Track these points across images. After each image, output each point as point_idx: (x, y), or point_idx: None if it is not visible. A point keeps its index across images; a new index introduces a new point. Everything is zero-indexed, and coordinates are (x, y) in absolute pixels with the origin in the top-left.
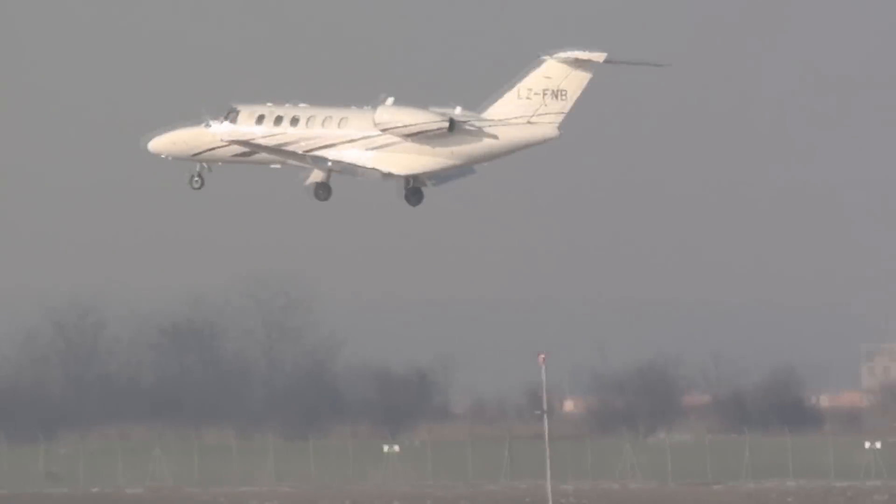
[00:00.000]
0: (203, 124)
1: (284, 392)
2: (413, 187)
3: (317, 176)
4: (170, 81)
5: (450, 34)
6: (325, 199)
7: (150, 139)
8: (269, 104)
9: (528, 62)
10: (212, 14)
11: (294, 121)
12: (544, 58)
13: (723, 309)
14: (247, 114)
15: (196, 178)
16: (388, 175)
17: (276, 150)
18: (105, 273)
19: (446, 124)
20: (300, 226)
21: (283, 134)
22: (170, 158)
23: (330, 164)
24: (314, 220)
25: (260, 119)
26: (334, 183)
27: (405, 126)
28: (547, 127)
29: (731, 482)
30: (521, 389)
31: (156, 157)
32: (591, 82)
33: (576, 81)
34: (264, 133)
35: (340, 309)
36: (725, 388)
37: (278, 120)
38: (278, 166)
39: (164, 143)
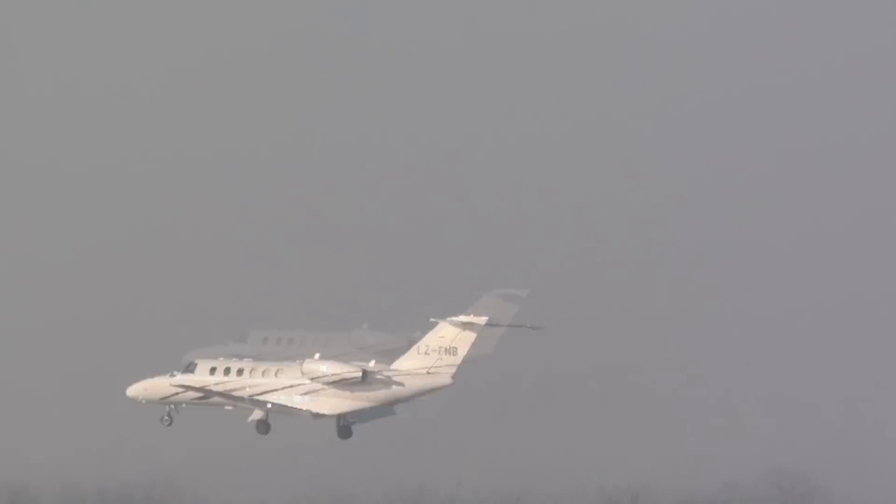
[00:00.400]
0: (168, 374)
1: None
2: (343, 425)
3: (258, 415)
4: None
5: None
6: (265, 433)
7: (127, 387)
8: (221, 358)
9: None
10: None
11: (239, 372)
12: (435, 321)
13: None
14: (203, 367)
15: (166, 418)
16: (318, 415)
17: (225, 394)
18: None
19: (359, 374)
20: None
21: (231, 382)
22: (144, 402)
23: (269, 405)
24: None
25: (213, 371)
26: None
27: (326, 376)
28: (443, 377)
29: None
30: None
31: (133, 401)
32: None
33: (465, 339)
34: (216, 381)
35: None
36: None
37: (227, 371)
38: (230, 408)
39: (138, 389)
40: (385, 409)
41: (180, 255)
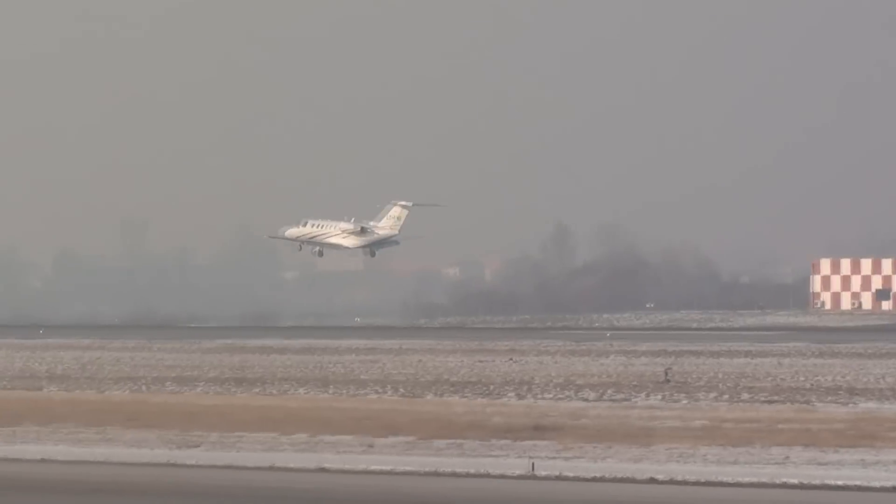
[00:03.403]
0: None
1: None
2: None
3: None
4: None
5: None
6: (321, 255)
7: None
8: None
9: None
10: None
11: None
12: (391, 206)
13: None
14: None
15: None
16: (346, 247)
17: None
18: None
19: (360, 228)
20: None
21: (314, 231)
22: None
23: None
24: None
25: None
26: None
27: (347, 230)
28: (396, 232)
29: None
30: None
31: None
32: None
33: (403, 214)
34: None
35: None
36: None
37: (313, 225)
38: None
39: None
40: (378, 244)
41: None
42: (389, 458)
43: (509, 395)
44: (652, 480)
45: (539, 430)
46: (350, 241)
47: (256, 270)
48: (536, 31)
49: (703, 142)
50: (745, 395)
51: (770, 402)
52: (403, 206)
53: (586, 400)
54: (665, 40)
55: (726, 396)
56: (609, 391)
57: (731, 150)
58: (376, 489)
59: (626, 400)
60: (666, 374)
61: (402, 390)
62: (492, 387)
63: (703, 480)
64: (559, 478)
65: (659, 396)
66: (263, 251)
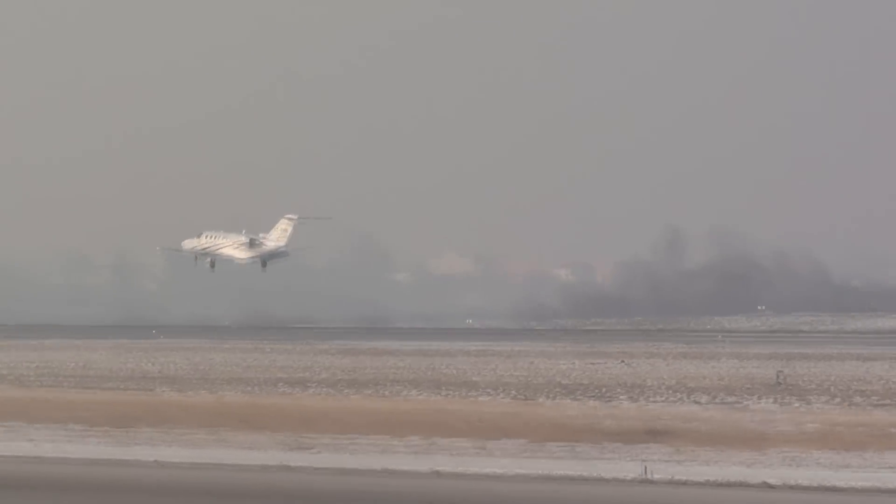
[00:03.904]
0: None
1: None
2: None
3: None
4: None
5: None
6: (212, 268)
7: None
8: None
9: None
10: None
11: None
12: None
13: None
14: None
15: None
16: (239, 259)
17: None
18: None
19: (248, 241)
20: None
21: (206, 242)
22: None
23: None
24: None
25: (199, 237)
26: None
27: (237, 241)
28: (283, 244)
29: None
30: None
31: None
32: None
33: (289, 227)
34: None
35: None
36: None
37: (206, 237)
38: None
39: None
40: (267, 256)
41: None
42: (502, 461)
43: (621, 397)
44: (765, 485)
45: (652, 433)
46: (241, 253)
47: (369, 273)
48: (629, 31)
49: (814, 144)
50: (858, 399)
51: (882, 405)
52: (290, 220)
53: (698, 403)
54: (775, 37)
55: (838, 399)
56: (721, 394)
57: (845, 153)
58: (490, 493)
59: (738, 403)
60: (778, 376)
61: (514, 393)
62: (604, 389)
63: (815, 485)
64: (672, 482)
65: (771, 399)
66: (376, 254)
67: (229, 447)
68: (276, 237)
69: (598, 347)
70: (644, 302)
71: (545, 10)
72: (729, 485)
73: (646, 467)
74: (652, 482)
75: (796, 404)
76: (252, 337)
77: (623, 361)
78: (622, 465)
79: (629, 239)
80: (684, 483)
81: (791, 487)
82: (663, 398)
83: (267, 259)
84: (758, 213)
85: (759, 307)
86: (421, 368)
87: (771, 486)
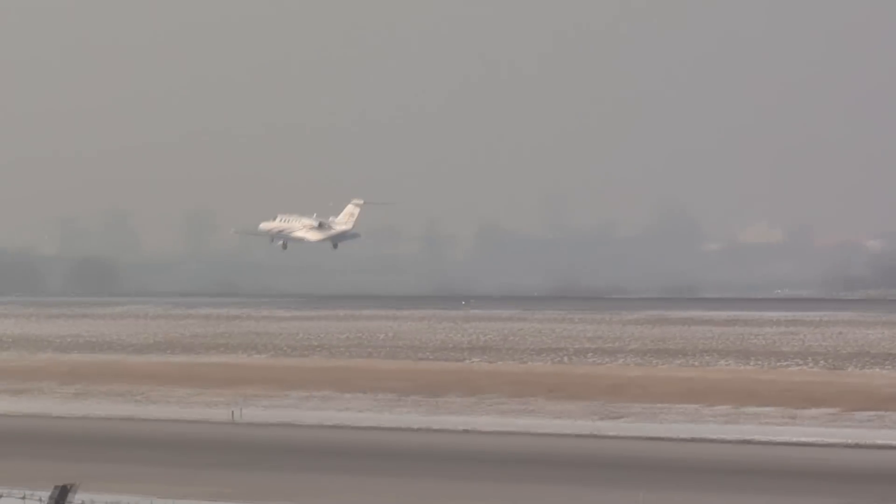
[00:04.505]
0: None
1: None
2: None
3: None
4: None
5: None
6: (285, 248)
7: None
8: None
9: None
10: None
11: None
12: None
13: None
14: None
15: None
16: (309, 240)
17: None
18: None
19: (318, 223)
20: None
21: (281, 225)
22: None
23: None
24: None
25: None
26: None
27: (309, 224)
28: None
29: None
30: None
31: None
32: None
33: (356, 212)
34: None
35: None
36: None
37: (281, 220)
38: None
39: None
40: (336, 238)
41: None
42: (812, 429)
43: None
44: None
45: None
46: (312, 235)
47: (678, 242)
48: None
49: None
50: None
51: None
52: (356, 205)
53: None
54: None
55: None
56: None
57: None
58: (798, 460)
59: None
60: None
61: (822, 362)
62: None
63: None
64: None
65: None
66: (685, 223)
67: (540, 416)
68: (344, 220)
69: None
70: None
71: None
72: None
73: None
74: None
75: None
76: (561, 307)
77: None
78: None
79: None
80: None
81: None
82: None
83: (337, 241)
84: None
85: None
86: (730, 338)
87: None
